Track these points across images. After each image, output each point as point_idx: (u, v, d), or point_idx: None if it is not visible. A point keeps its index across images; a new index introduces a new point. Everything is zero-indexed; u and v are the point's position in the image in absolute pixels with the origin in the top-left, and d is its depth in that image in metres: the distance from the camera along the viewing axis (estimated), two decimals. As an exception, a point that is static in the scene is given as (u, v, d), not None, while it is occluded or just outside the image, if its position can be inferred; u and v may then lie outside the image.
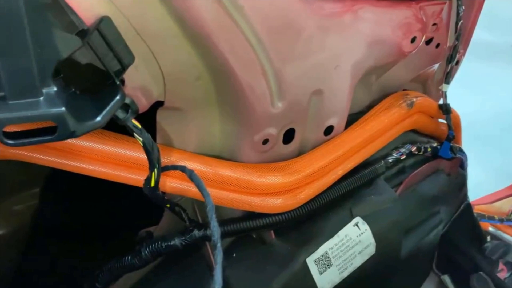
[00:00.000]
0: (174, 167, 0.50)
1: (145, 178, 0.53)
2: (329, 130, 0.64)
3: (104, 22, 0.39)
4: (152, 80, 0.48)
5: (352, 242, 0.66)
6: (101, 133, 0.55)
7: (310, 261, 0.62)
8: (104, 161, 0.55)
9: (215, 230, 0.42)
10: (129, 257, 0.58)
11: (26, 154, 0.54)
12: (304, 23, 0.51)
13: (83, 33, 0.37)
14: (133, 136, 0.46)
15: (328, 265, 0.63)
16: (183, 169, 0.49)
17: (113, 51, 0.40)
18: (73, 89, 0.39)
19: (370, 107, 0.75)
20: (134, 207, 0.76)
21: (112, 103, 0.40)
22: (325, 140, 0.65)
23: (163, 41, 0.45)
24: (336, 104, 0.62)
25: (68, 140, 0.52)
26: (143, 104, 0.48)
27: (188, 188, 0.56)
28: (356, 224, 0.67)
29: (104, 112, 0.39)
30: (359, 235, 0.66)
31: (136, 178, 0.55)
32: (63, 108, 0.36)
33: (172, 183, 0.56)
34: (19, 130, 0.36)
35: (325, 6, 0.51)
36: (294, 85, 0.54)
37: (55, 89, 0.36)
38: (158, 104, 0.52)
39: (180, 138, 0.57)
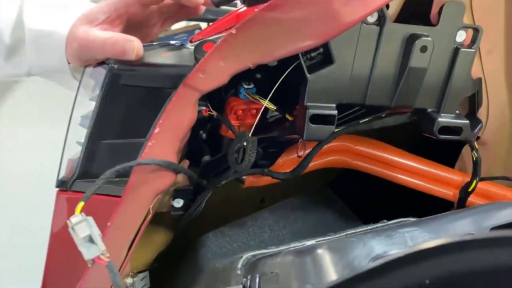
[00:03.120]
0: (504, 178, 0.72)
1: (442, 190, 0.78)
2: None
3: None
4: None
5: None
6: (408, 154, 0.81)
7: None
8: (414, 174, 0.81)
9: None
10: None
11: (362, 165, 0.83)
12: None
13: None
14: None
15: None
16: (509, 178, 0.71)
17: (477, 96, 0.67)
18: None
19: None
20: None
21: (479, 127, 0.66)
22: None
23: (498, 92, 0.70)
24: None
25: (389, 156, 0.80)
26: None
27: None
28: None
29: (475, 131, 0.65)
30: None
31: (437, 189, 0.80)
32: (467, 121, 0.60)
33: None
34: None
35: None
36: None
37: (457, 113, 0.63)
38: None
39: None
